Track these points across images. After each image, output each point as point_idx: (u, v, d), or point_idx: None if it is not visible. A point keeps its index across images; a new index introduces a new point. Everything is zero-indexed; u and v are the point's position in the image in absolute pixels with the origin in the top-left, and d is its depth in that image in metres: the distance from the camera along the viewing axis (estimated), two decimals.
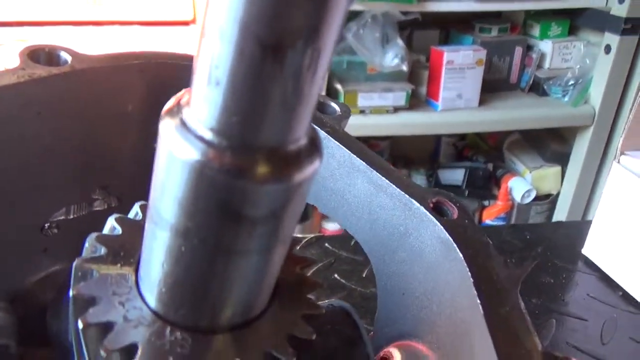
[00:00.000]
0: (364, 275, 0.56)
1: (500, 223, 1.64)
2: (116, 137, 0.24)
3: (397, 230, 0.21)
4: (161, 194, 0.14)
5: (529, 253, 0.64)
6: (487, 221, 1.65)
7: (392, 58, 1.37)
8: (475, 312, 0.16)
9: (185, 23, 1.36)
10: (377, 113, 1.41)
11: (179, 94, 0.13)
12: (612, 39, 1.39)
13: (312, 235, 0.62)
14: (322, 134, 0.23)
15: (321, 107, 0.26)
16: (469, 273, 0.18)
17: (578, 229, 0.68)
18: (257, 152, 0.12)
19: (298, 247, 0.60)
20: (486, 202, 1.66)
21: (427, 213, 0.20)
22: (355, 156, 0.23)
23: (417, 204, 0.20)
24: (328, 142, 0.23)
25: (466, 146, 1.77)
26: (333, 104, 0.27)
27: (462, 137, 1.78)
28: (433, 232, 0.20)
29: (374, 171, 0.22)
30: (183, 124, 0.12)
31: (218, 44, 0.11)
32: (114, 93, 0.23)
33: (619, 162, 0.58)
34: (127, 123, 0.24)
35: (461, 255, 0.18)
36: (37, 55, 0.21)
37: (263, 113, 0.12)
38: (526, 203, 1.62)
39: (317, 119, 0.25)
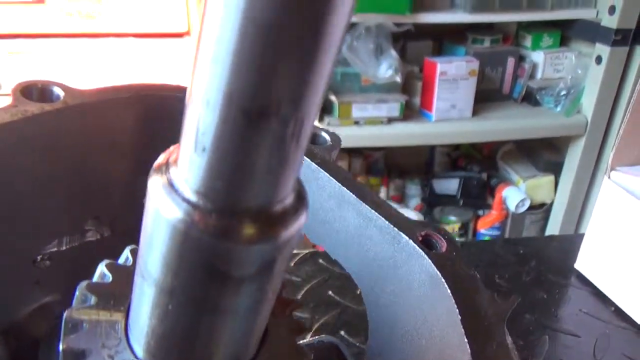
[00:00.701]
0: (357, 292, 0.56)
1: (495, 232, 1.65)
2: (108, 168, 0.24)
3: (387, 263, 0.22)
4: (148, 249, 0.14)
5: (522, 268, 0.64)
6: (482, 230, 1.66)
7: (386, 69, 1.38)
8: (464, 350, 0.17)
9: (180, 35, 1.36)
10: (372, 124, 1.41)
11: (168, 150, 0.14)
12: (603, 49, 1.40)
13: (307, 251, 0.62)
14: (313, 165, 0.24)
15: (312, 138, 0.27)
16: (457, 310, 0.18)
17: (571, 242, 0.68)
18: (242, 215, 0.12)
19: (292, 264, 0.60)
20: (481, 212, 1.67)
21: (416, 247, 0.20)
22: (345, 188, 0.23)
23: (406, 238, 0.21)
24: (318, 173, 0.24)
25: (460, 156, 1.78)
26: (324, 134, 0.27)
27: (457, 146, 1.79)
28: (422, 266, 0.20)
29: (364, 204, 0.22)
30: (170, 183, 0.13)
31: (204, 112, 0.11)
32: (105, 126, 0.23)
33: (609, 177, 0.58)
34: (119, 154, 0.24)
35: (449, 291, 0.19)
36: (30, 91, 0.21)
37: (248, 179, 0.12)
38: (520, 212, 1.62)
39: (307, 150, 0.25)
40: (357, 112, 1.40)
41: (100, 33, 1.31)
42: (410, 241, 0.21)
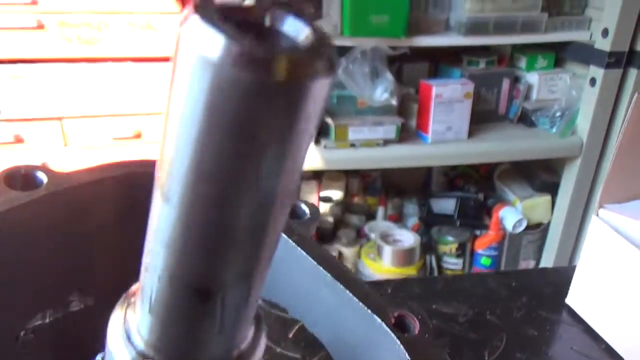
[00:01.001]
0: None
1: (493, 253, 1.65)
2: (92, 244, 0.25)
3: (362, 343, 0.22)
4: None
5: (514, 303, 0.65)
6: (480, 251, 1.66)
7: (382, 92, 1.39)
8: None
9: None
10: (368, 146, 1.42)
11: (133, 288, 0.14)
12: (597, 72, 1.41)
13: None
14: (290, 242, 0.24)
15: (290, 211, 0.27)
16: None
17: (563, 276, 0.68)
18: None
19: None
20: (478, 232, 1.67)
21: (388, 330, 0.21)
22: (320, 267, 0.23)
23: (379, 320, 0.21)
24: (295, 251, 0.24)
25: (457, 175, 1.79)
26: (302, 206, 0.28)
27: (453, 166, 1.79)
28: (394, 350, 0.21)
29: (339, 283, 0.23)
30: (125, 322, 0.13)
31: (156, 284, 0.12)
32: (90, 207, 0.24)
33: (597, 215, 0.59)
34: (104, 231, 0.24)
35: None
36: (13, 179, 0.22)
37: (196, 344, 0.12)
38: (518, 232, 1.62)
39: (286, 226, 0.25)
40: (353, 134, 1.41)
41: (99, 57, 1.32)
42: (383, 324, 0.21)
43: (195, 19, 0.11)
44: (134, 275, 0.21)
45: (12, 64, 1.30)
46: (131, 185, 0.24)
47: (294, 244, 0.24)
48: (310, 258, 0.23)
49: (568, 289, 0.64)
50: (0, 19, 1.23)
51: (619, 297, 0.56)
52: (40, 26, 1.26)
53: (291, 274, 0.24)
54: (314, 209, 0.28)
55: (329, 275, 0.23)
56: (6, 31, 1.24)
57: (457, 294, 0.67)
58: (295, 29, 0.11)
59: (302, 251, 0.24)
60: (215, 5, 0.11)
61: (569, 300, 0.63)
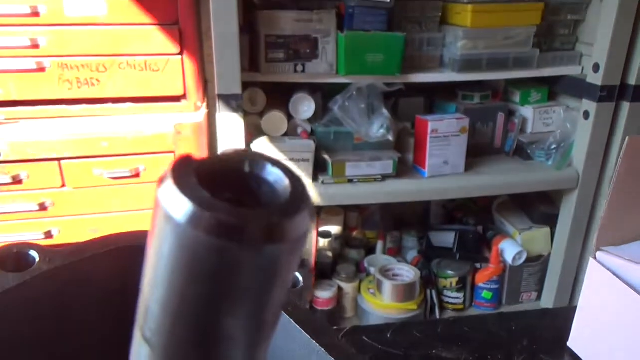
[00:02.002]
0: None
1: (494, 286, 1.64)
2: (87, 320, 0.25)
3: None
4: None
5: (514, 347, 0.64)
6: (481, 284, 1.64)
7: (378, 129, 1.40)
8: None
9: (177, 99, 1.39)
10: (366, 182, 1.43)
11: None
12: (590, 105, 1.43)
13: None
14: (284, 317, 0.24)
15: None
16: None
17: (564, 317, 0.68)
18: None
19: None
20: (478, 265, 1.66)
21: None
22: (314, 341, 0.23)
23: None
24: (289, 324, 0.24)
25: (456, 208, 1.79)
26: (297, 275, 0.28)
27: (452, 199, 1.80)
28: None
29: (330, 358, 0.22)
30: None
31: None
32: (82, 285, 0.24)
33: (595, 257, 0.59)
34: (98, 306, 0.24)
35: None
36: (5, 260, 0.22)
37: None
38: (518, 265, 1.62)
39: None
40: (351, 170, 1.42)
41: (98, 98, 1.34)
42: None
43: (169, 182, 0.11)
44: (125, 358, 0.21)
45: (14, 107, 1.32)
46: (124, 258, 0.24)
47: (287, 317, 0.24)
48: (303, 332, 0.23)
49: (569, 331, 0.63)
50: (1, 62, 1.25)
51: (620, 340, 0.56)
52: (41, 69, 1.28)
53: (285, 343, 0.24)
54: (307, 277, 0.28)
55: (322, 349, 0.23)
56: (7, 74, 1.26)
57: (457, 338, 0.66)
58: (274, 177, 0.12)
59: (296, 324, 0.24)
60: (194, 162, 0.11)
61: (571, 343, 0.62)
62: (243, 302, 0.12)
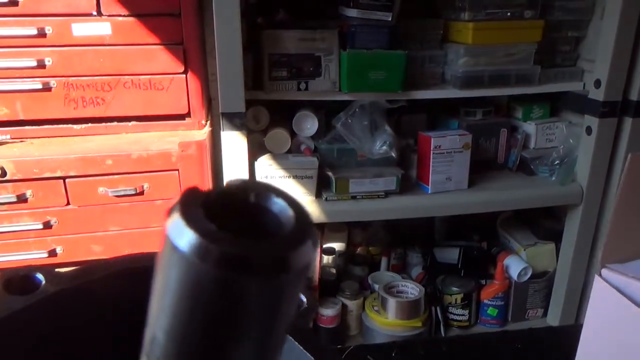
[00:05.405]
0: None
1: (500, 302, 1.62)
2: (91, 340, 0.25)
3: None
4: None
5: None
6: (486, 301, 1.63)
7: (381, 145, 1.41)
8: None
9: (181, 117, 1.41)
10: (369, 198, 1.43)
11: None
12: (592, 120, 1.44)
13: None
14: (289, 340, 0.24)
15: None
16: None
17: (570, 336, 0.67)
18: None
19: None
20: (483, 281, 1.65)
21: None
22: None
23: None
24: (294, 343, 0.24)
25: (460, 224, 1.78)
26: (301, 296, 0.28)
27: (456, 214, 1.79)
28: None
29: None
30: None
31: None
32: (89, 307, 0.24)
33: (600, 275, 0.58)
34: (106, 328, 0.24)
35: None
36: (12, 283, 0.22)
37: None
38: (523, 281, 1.60)
39: None
40: (354, 187, 1.42)
41: (103, 117, 1.35)
42: None
43: (176, 215, 0.12)
44: None
45: (20, 126, 1.34)
46: (131, 279, 0.25)
47: (292, 339, 0.24)
48: (308, 354, 0.23)
49: (575, 350, 0.63)
50: (8, 83, 1.27)
51: (626, 359, 0.55)
52: (47, 89, 1.29)
53: None
54: (312, 299, 0.28)
55: None
56: (13, 94, 1.28)
57: (461, 357, 0.66)
58: (279, 208, 0.12)
59: (300, 346, 0.24)
60: (201, 194, 0.12)
61: None
62: (248, 331, 0.13)
